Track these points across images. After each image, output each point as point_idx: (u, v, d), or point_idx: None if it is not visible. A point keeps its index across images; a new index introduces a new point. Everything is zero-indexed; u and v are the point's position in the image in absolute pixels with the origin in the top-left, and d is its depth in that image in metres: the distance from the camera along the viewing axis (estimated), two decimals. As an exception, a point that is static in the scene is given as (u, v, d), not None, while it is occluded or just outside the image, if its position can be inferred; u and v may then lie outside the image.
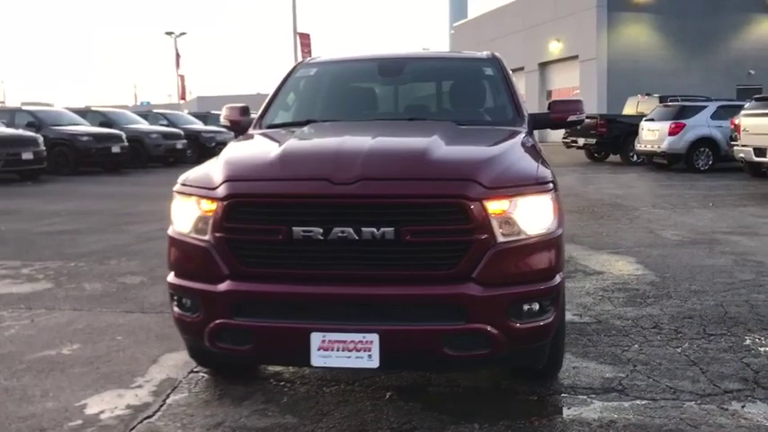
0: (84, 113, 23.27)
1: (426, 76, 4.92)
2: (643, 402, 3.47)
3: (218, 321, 3.17)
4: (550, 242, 3.21)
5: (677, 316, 4.93)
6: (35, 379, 3.97)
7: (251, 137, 4.11)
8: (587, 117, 20.05)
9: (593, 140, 20.66)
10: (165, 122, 25.43)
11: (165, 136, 22.29)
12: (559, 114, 4.47)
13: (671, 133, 17.56)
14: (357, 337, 3.02)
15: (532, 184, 3.18)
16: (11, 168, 17.02)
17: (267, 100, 4.64)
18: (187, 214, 3.29)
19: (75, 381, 3.92)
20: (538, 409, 3.46)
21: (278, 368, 3.98)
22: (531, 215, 3.14)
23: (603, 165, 20.94)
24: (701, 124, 17.65)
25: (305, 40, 26.38)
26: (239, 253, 3.13)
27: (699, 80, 33.27)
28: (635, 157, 19.89)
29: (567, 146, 22.31)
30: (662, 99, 20.93)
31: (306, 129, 3.97)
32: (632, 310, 5.10)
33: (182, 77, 50.24)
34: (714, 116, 17.72)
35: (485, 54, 4.78)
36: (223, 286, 3.14)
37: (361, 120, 4.31)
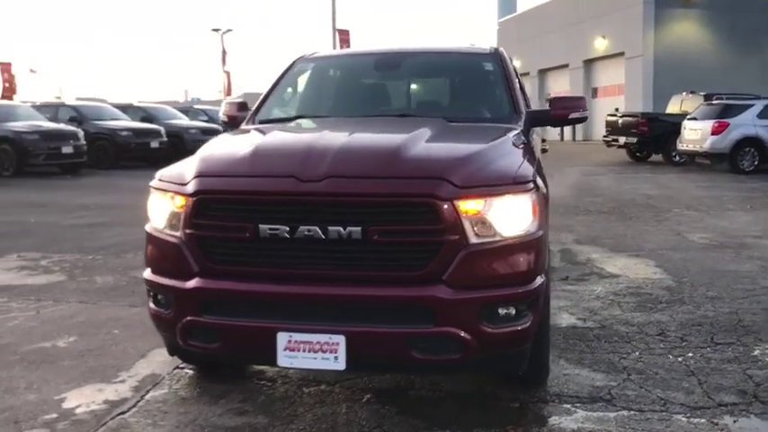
0: (126, 109, 23.74)
1: (423, 71, 4.81)
2: (629, 414, 3.32)
3: (188, 318, 3.13)
4: (528, 244, 3.08)
5: (686, 323, 4.72)
6: (24, 371, 4.00)
7: (235, 133, 4.07)
8: (628, 115, 19.59)
9: (634, 139, 20.16)
10: (204, 118, 25.78)
11: (204, 131, 22.52)
12: (560, 111, 4.31)
13: (714, 132, 16.99)
14: (323, 338, 2.95)
15: (509, 184, 3.05)
16: (52, 162, 17.44)
17: (263, 95, 4.60)
18: (161, 210, 3.26)
19: (61, 374, 3.94)
20: (517, 417, 3.33)
21: (261, 367, 3.93)
22: (507, 216, 3.01)
23: (644, 165, 20.42)
24: (746, 123, 17.03)
25: (344, 35, 26.40)
26: (208, 250, 3.08)
27: (752, 78, 32.19)
28: (677, 157, 19.33)
29: (608, 144, 21.82)
30: (707, 97, 20.28)
31: (290, 125, 3.91)
32: (641, 315, 4.91)
33: (228, 74, 50.84)
34: (761, 115, 17.10)
35: (487, 48, 4.65)
36: (192, 283, 3.10)
37: (352, 115, 4.22)
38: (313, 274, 2.98)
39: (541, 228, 3.15)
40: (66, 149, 17.45)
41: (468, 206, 2.93)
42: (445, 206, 2.87)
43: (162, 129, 20.90)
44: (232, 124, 4.64)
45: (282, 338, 2.98)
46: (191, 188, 3.09)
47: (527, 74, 47.02)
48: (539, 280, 3.15)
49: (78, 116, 20.55)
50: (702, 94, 21.20)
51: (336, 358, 2.95)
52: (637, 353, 4.15)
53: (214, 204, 3.06)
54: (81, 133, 18.17)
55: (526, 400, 3.51)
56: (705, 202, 11.36)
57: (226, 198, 3.06)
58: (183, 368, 3.97)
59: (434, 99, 4.63)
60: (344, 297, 2.95)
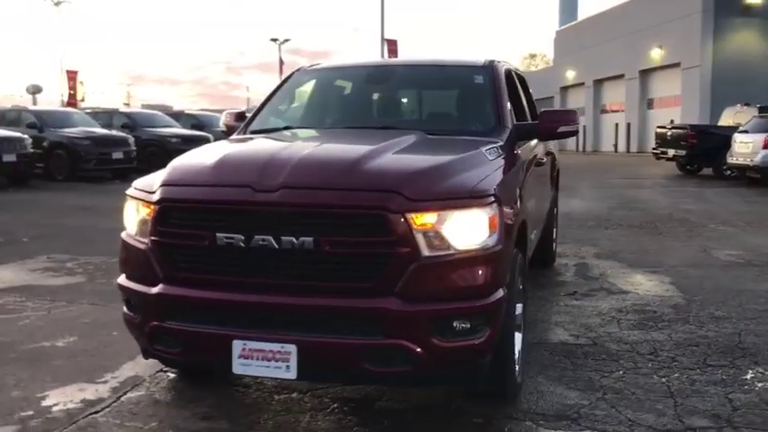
0: (179, 116, 24.36)
1: (412, 83, 4.82)
2: (591, 434, 3.25)
3: (152, 323, 3.23)
4: (485, 258, 3.06)
5: (683, 343, 4.59)
6: (18, 369, 4.16)
7: (217, 142, 4.16)
8: (677, 127, 19.09)
9: (683, 152, 19.64)
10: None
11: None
12: (548, 125, 4.26)
13: (766, 146, 16.41)
14: (276, 346, 2.99)
15: (464, 198, 3.04)
16: (102, 167, 18.06)
17: (258, 106, 4.69)
18: (133, 217, 3.37)
19: (51, 372, 4.08)
20: (477, 432, 3.31)
21: (240, 372, 3.99)
22: (462, 229, 3.00)
23: (693, 178, 19.86)
24: (800, 137, 16.39)
25: (392, 46, 26.53)
26: (171, 257, 3.17)
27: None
28: (727, 171, 18.73)
29: (657, 157, 21.32)
30: (762, 110, 19.60)
31: (271, 135, 3.98)
32: (638, 333, 4.80)
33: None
34: (817, 129, 16.44)
35: (481, 61, 4.62)
36: (156, 289, 3.19)
37: (336, 127, 4.27)
38: (267, 284, 3.03)
39: (501, 242, 3.12)
40: (117, 155, 18.05)
41: (420, 219, 2.93)
42: (396, 218, 2.88)
43: (211, 136, 21.16)
44: (230, 134, 4.75)
45: (237, 346, 3.03)
46: (155, 196, 3.19)
47: (582, 84, 46.39)
48: (497, 294, 3.12)
49: (131, 123, 21.20)
50: (758, 106, 20.50)
51: (288, 367, 2.99)
52: (621, 372, 4.06)
53: (176, 212, 3.15)
54: (131, 139, 18.74)
55: (491, 416, 3.47)
56: (745, 217, 10.99)
57: (186, 206, 3.14)
58: (165, 371, 4.06)
59: (419, 112, 4.63)
60: (296, 307, 2.99)
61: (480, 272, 3.07)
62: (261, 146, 3.71)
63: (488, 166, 3.43)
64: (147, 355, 3.66)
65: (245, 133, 4.47)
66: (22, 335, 4.84)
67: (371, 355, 2.96)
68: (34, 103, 45.69)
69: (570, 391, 3.76)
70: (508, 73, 4.89)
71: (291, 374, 3.00)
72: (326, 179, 3.03)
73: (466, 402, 3.62)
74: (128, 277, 3.42)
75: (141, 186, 3.38)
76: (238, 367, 3.05)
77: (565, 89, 50.38)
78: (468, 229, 3.02)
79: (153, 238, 3.19)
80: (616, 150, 40.30)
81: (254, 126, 4.52)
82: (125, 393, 3.77)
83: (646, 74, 39.22)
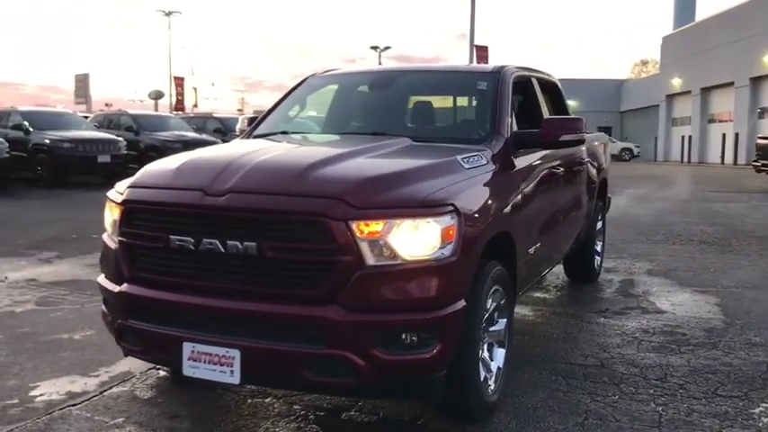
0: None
1: (412, 90, 4.70)
2: (550, 461, 3.06)
3: (118, 321, 3.31)
4: (436, 269, 2.95)
5: (700, 369, 4.26)
6: (27, 358, 4.37)
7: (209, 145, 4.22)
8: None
9: (787, 165, 18.34)
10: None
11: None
12: (549, 133, 4.07)
13: None
14: (221, 351, 3.00)
15: (414, 207, 2.94)
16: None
17: (267, 110, 4.74)
18: (108, 218, 3.47)
19: (54, 364, 4.27)
20: (431, 450, 3.19)
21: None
22: (411, 239, 2.91)
23: (797, 193, 18.49)
24: None
25: (482, 52, 26.22)
26: (134, 257, 3.24)
27: None
28: (836, 185, 17.33)
29: (757, 170, 19.99)
30: None
31: (255, 139, 4.00)
32: (654, 357, 4.49)
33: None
34: None
35: (490, 68, 4.47)
36: (120, 288, 3.28)
37: (329, 132, 4.25)
38: (215, 287, 3.04)
39: (456, 253, 2.99)
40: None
41: (365, 227, 2.86)
42: (337, 226, 2.83)
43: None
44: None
45: (187, 348, 3.06)
46: (121, 198, 3.28)
47: (688, 92, 44.28)
48: (453, 307, 3.01)
49: (223, 127, 21.98)
50: None
51: (232, 372, 2.99)
52: (616, 397, 3.81)
53: (139, 214, 3.22)
54: (220, 143, 19.35)
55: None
56: (836, 237, 10.10)
57: (145, 208, 3.21)
58: (157, 369, 4.16)
59: (414, 118, 4.52)
60: (241, 312, 2.98)
61: (430, 283, 2.96)
62: (228, 150, 3.73)
63: (456, 176, 3.31)
64: (125, 353, 3.77)
65: (248, 137, 4.53)
66: (48, 326, 5.09)
67: (312, 365, 2.91)
68: (156, 108, 48.44)
69: (550, 414, 3.56)
70: (521, 80, 4.71)
71: (235, 379, 2.99)
72: (273, 185, 3.01)
73: (433, 418, 3.49)
74: (104, 275, 3.52)
75: (117, 188, 3.47)
76: (188, 369, 3.08)
77: (671, 97, 48.25)
78: (417, 240, 2.92)
79: (119, 238, 3.28)
80: (723, 162, 38.15)
81: (259, 130, 4.57)
82: (110, 388, 3.89)
83: (757, 81, 36.90)
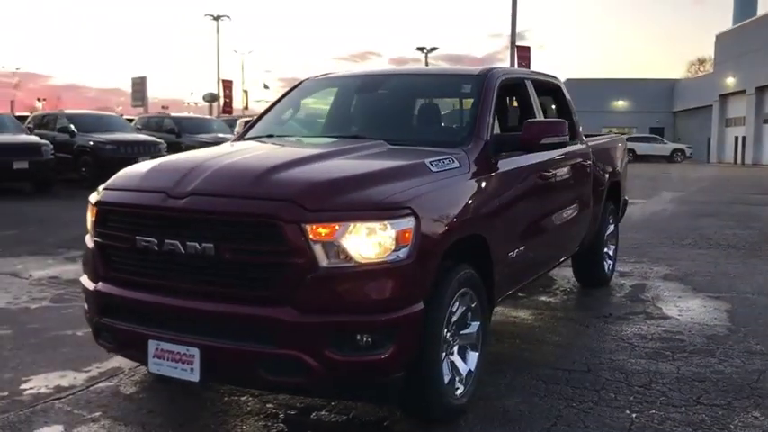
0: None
1: (398, 93, 4.72)
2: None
3: (95, 319, 3.44)
4: (391, 272, 2.98)
5: (689, 377, 4.17)
6: (28, 353, 4.55)
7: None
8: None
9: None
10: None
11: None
12: (530, 136, 4.04)
13: None
14: (182, 349, 3.08)
15: (368, 210, 2.98)
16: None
17: (261, 113, 4.83)
18: (88, 219, 3.60)
19: (51, 359, 4.43)
20: (389, 451, 3.21)
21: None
22: (365, 242, 2.95)
23: None
24: None
25: (523, 53, 25.97)
26: (107, 257, 3.36)
27: None
28: None
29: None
30: None
31: (237, 141, 4.09)
32: (644, 363, 4.42)
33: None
34: None
35: (477, 70, 4.46)
36: (95, 286, 3.41)
37: (311, 136, 4.31)
38: (178, 287, 3.13)
39: (412, 256, 3.02)
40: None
41: (319, 230, 2.91)
42: (290, 228, 2.88)
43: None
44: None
45: (152, 346, 3.16)
46: (96, 200, 3.40)
47: (743, 92, 43.01)
48: (409, 309, 3.04)
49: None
50: None
51: (192, 370, 3.07)
52: (591, 403, 3.76)
53: (110, 215, 3.34)
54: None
55: (418, 436, 3.36)
56: None
57: (115, 210, 3.32)
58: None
59: (391, 122, 4.54)
60: (200, 312, 3.07)
61: (384, 286, 3.00)
62: (202, 153, 3.81)
63: (420, 179, 3.33)
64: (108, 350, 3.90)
65: (240, 139, 4.62)
66: (56, 323, 5.28)
67: (267, 364, 2.97)
68: (210, 110, 49.44)
69: (519, 419, 3.55)
70: (512, 83, 4.69)
71: (195, 377, 3.08)
72: (231, 188, 3.09)
73: (400, 420, 3.51)
74: (85, 275, 3.65)
75: (98, 190, 3.60)
76: (153, 366, 3.18)
77: (724, 97, 46.93)
78: (371, 242, 2.96)
79: (94, 238, 3.41)
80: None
81: (251, 133, 4.66)
82: (96, 383, 4.02)
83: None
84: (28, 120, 20.05)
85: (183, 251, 3.04)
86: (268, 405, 3.71)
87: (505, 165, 4.11)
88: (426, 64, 52.27)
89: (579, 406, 3.72)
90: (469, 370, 3.64)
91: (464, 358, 3.65)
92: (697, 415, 3.63)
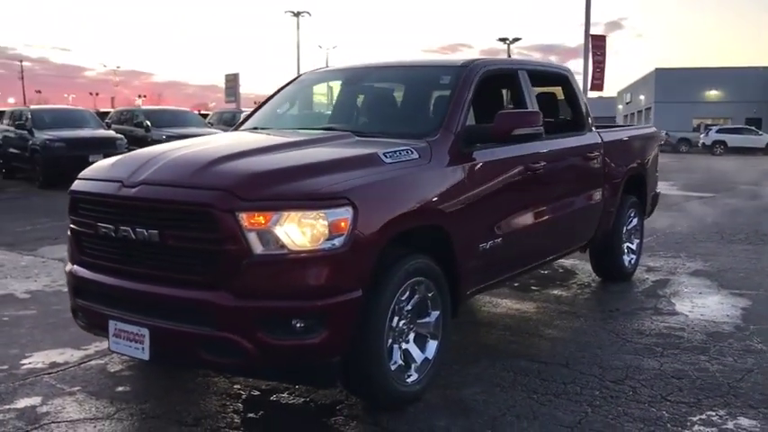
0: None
1: (377, 86, 4.75)
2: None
3: (71, 300, 3.70)
4: (324, 260, 3.08)
5: (669, 374, 4.06)
6: (42, 332, 4.90)
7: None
8: None
9: None
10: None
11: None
12: (502, 127, 4.02)
13: None
14: (135, 329, 3.29)
15: (301, 200, 3.08)
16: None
17: (258, 105, 5.01)
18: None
19: (59, 338, 4.76)
20: (329, 433, 3.31)
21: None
22: (299, 231, 3.06)
23: None
24: None
25: (598, 42, 25.22)
26: (79, 242, 3.61)
27: None
28: None
29: None
30: None
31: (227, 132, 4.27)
32: (630, 358, 4.33)
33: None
34: None
35: (460, 62, 4.45)
36: (69, 269, 3.67)
37: (293, 128, 4.44)
38: (132, 271, 3.33)
39: (348, 245, 3.10)
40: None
41: (253, 218, 3.03)
42: (225, 216, 3.02)
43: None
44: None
45: (112, 326, 3.38)
46: (70, 188, 3.65)
47: None
48: (343, 296, 3.13)
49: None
50: None
51: (143, 349, 3.27)
52: (552, 396, 3.74)
53: (79, 203, 3.58)
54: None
55: (357, 420, 3.44)
56: None
57: (82, 198, 3.55)
58: (141, 346, 4.53)
59: (366, 114, 4.58)
60: (149, 294, 3.26)
61: (317, 273, 3.10)
62: (164, 146, 3.97)
63: (368, 170, 3.40)
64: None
65: (236, 130, 4.82)
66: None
67: (206, 345, 3.13)
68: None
69: (472, 408, 3.58)
70: (499, 74, 4.67)
71: (145, 356, 3.27)
72: (175, 177, 3.25)
73: (355, 405, 3.61)
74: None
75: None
76: (112, 345, 3.40)
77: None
78: (304, 231, 3.07)
79: (70, 224, 3.66)
80: None
81: (243, 125, 4.84)
82: (89, 361, 4.30)
83: None
84: (109, 115, 21.17)
85: (134, 237, 3.24)
86: (235, 386, 3.88)
87: (483, 156, 4.11)
88: (509, 55, 51.47)
89: (539, 398, 3.71)
90: (426, 358, 3.68)
91: (422, 346, 3.70)
92: (657, 411, 3.55)
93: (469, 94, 4.19)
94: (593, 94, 32.41)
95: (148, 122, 18.51)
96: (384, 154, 3.55)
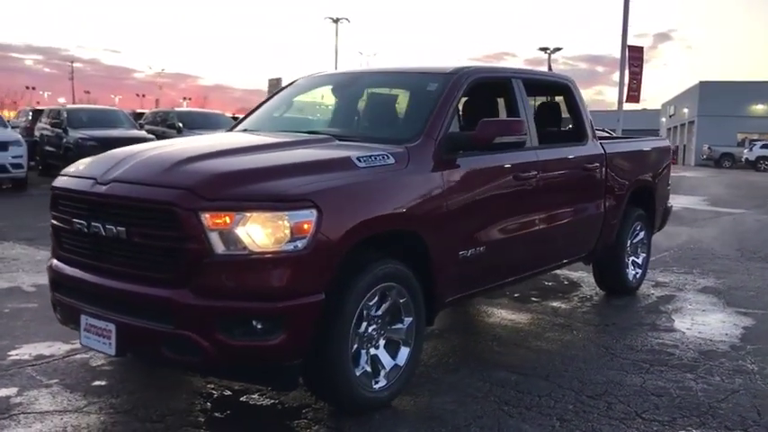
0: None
1: (365, 92, 4.75)
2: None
3: (51, 293, 3.78)
4: (285, 262, 3.10)
5: (650, 391, 3.97)
6: (38, 325, 4.99)
7: None
8: None
9: None
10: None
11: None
12: (483, 135, 3.98)
13: None
14: (102, 324, 3.34)
15: (264, 201, 3.10)
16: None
17: (255, 106, 5.07)
18: None
19: (51, 331, 4.80)
20: (288, 436, 3.32)
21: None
22: (260, 232, 3.08)
23: None
24: None
25: (635, 53, 24.82)
26: (58, 237, 3.69)
27: None
28: None
29: None
30: None
31: (206, 134, 4.32)
32: (613, 374, 4.24)
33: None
34: None
35: (450, 68, 4.43)
36: (49, 264, 3.75)
37: (280, 131, 4.47)
38: (101, 267, 3.39)
39: (310, 247, 3.11)
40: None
41: (215, 218, 3.06)
42: (186, 215, 3.06)
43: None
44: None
45: (83, 320, 3.44)
46: (52, 184, 3.73)
47: None
48: (303, 299, 3.13)
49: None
50: None
51: (110, 344, 3.32)
52: (523, 408, 3.68)
53: (58, 199, 3.65)
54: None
55: (316, 423, 3.44)
56: None
57: (60, 194, 3.63)
58: (128, 342, 4.60)
59: (351, 118, 4.58)
60: (116, 290, 3.31)
61: (277, 275, 3.11)
62: (142, 146, 4.01)
63: (338, 174, 3.40)
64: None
65: (230, 131, 4.88)
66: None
67: (167, 343, 3.16)
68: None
69: (439, 417, 3.55)
70: (489, 82, 4.65)
71: (112, 351, 3.32)
72: (144, 176, 3.30)
73: (321, 409, 3.60)
74: None
75: (60, 176, 3.94)
76: (83, 339, 3.46)
77: None
78: (266, 232, 3.09)
79: (51, 220, 3.74)
80: None
81: (237, 127, 4.90)
82: (73, 355, 4.37)
83: None
84: (144, 116, 21.57)
85: (104, 233, 3.30)
86: (209, 385, 3.91)
87: (468, 163, 4.08)
88: (549, 65, 51.04)
89: (509, 410, 3.66)
90: (396, 365, 3.66)
91: (393, 353, 3.68)
92: (627, 429, 3.47)
93: (455, 102, 4.18)
94: (636, 106, 31.92)
95: (180, 124, 18.82)
96: (358, 158, 3.56)
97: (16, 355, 4.35)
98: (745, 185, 23.80)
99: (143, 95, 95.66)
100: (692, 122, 58.91)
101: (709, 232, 10.85)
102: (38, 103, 65.02)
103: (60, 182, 3.69)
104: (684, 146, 58.96)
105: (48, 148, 17.52)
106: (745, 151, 42.89)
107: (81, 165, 3.78)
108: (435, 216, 3.81)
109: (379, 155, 3.65)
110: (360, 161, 3.55)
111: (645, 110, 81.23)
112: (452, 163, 3.99)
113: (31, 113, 22.29)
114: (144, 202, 3.19)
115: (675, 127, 67.75)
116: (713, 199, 17.08)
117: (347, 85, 4.88)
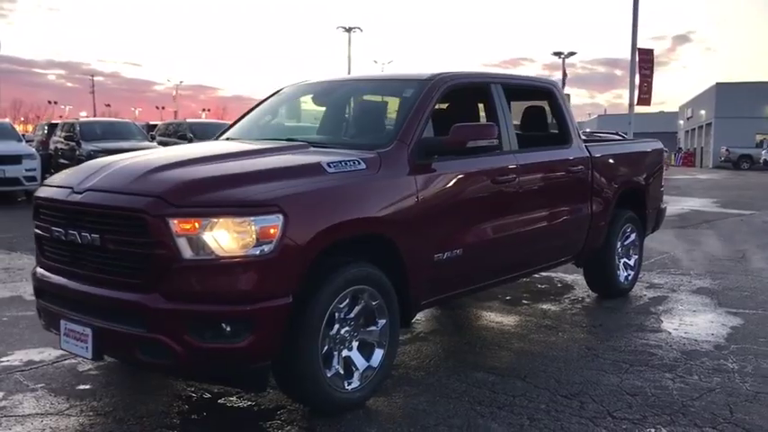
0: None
1: (342, 100, 4.84)
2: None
3: (36, 300, 3.90)
4: (251, 266, 3.19)
5: (626, 390, 4.00)
6: (33, 331, 5.09)
7: None
8: None
9: None
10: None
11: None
12: (455, 139, 4.05)
13: None
14: (80, 328, 3.45)
15: (230, 206, 3.20)
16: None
17: (241, 115, 5.18)
18: None
19: (45, 338, 4.90)
20: (260, 436, 3.39)
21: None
22: (227, 237, 3.17)
23: None
24: None
25: (645, 56, 24.71)
26: (40, 245, 3.81)
27: None
28: None
29: None
30: None
31: (189, 143, 4.42)
32: (591, 374, 4.28)
33: (568, 96, 50.77)
34: None
35: (426, 75, 4.50)
36: (33, 271, 3.87)
37: (260, 138, 4.57)
38: (78, 273, 3.50)
39: (277, 251, 3.19)
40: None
41: (182, 224, 3.16)
42: (154, 221, 3.16)
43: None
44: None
45: (63, 325, 3.55)
46: (34, 193, 3.86)
47: None
48: (270, 302, 3.22)
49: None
50: None
51: (87, 348, 3.43)
52: (495, 408, 3.73)
53: (39, 208, 3.78)
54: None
55: (295, 424, 3.51)
56: None
57: (41, 203, 3.75)
58: (117, 348, 4.72)
59: (327, 126, 4.67)
60: (92, 296, 3.42)
61: (244, 279, 3.20)
62: (123, 155, 4.11)
63: (307, 179, 3.49)
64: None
65: (216, 139, 4.99)
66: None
67: (141, 346, 3.26)
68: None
69: (410, 416, 3.61)
70: (468, 88, 4.72)
71: (89, 354, 3.43)
72: (117, 184, 3.41)
73: (296, 410, 3.68)
74: None
75: (43, 186, 4.06)
76: (63, 343, 3.57)
77: None
78: (232, 237, 3.17)
79: (34, 229, 3.86)
80: None
81: (223, 136, 5.01)
82: (63, 360, 4.49)
83: None
84: (157, 127, 21.85)
85: (79, 241, 3.41)
86: (189, 388, 4.00)
87: (443, 168, 4.15)
88: (563, 69, 50.86)
89: (481, 410, 3.71)
90: (369, 366, 3.73)
91: (367, 354, 3.75)
92: (595, 427, 3.51)
93: (429, 107, 4.25)
94: (652, 109, 31.76)
95: (192, 134, 19.05)
96: (328, 164, 3.64)
97: (7, 361, 4.48)
98: (759, 187, 23.57)
99: (162, 108, 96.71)
100: (709, 124, 58.38)
101: (712, 234, 10.80)
102: (60, 117, 65.95)
103: (42, 191, 3.81)
104: (702, 148, 58.42)
105: (62, 160, 17.81)
106: (764, 152, 42.44)
107: (62, 175, 3.90)
108: (408, 220, 3.88)
109: (350, 160, 3.73)
110: (330, 167, 3.63)
111: (662, 112, 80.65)
112: (427, 167, 4.06)
113: (46, 127, 22.69)
114: (115, 209, 3.30)
115: (693, 129, 67.15)
116: (724, 201, 16.94)
117: (329, 93, 4.97)
